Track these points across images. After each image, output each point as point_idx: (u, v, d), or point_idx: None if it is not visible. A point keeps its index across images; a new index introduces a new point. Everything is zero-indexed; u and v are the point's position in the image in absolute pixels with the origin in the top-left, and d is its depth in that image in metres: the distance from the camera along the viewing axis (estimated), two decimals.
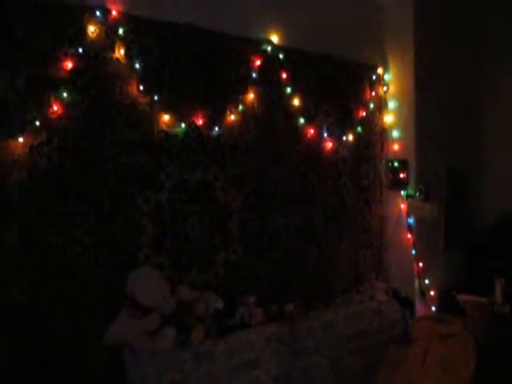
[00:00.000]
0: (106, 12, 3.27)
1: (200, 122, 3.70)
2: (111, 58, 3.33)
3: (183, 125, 3.62)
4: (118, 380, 3.15)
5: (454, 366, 3.80)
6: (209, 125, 3.75)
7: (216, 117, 3.79)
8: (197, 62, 3.71)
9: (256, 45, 4.03)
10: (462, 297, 4.83)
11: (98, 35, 3.27)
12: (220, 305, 3.47)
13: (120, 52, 3.35)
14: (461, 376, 3.74)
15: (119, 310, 3.09)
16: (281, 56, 4.16)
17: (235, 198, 3.91)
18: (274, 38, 4.12)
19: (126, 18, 3.37)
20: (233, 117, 3.88)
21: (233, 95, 3.89)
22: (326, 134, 4.52)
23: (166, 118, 3.54)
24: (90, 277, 3.22)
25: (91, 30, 3.23)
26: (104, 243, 3.28)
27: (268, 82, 4.10)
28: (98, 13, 3.24)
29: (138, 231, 3.43)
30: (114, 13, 3.31)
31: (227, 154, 3.87)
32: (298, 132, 4.34)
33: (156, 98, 3.49)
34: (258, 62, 4.02)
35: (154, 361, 3.01)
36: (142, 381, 3.06)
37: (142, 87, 3.43)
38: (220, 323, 3.42)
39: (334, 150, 4.61)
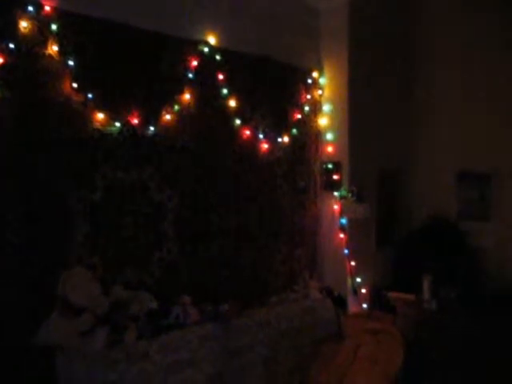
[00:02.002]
0: (38, 7, 3.20)
1: (135, 121, 3.68)
2: (44, 55, 3.26)
3: (118, 124, 3.59)
4: (48, 382, 3.08)
5: (383, 360, 3.94)
6: (144, 124, 3.73)
7: (151, 116, 3.77)
8: (132, 61, 3.69)
9: (193, 45, 4.04)
10: (392, 294, 4.98)
11: (30, 30, 3.19)
12: (154, 304, 3.46)
13: (53, 48, 3.29)
14: (389, 369, 3.89)
15: (51, 310, 3.04)
16: (217, 57, 4.18)
17: (170, 197, 3.91)
18: (211, 39, 4.14)
19: (60, 14, 3.31)
20: (168, 117, 3.87)
21: (169, 95, 3.89)
22: (261, 136, 4.58)
23: (100, 116, 3.50)
24: (21, 277, 3.14)
25: (23, 25, 3.15)
26: (35, 243, 3.21)
27: (204, 83, 4.12)
28: (30, 8, 3.17)
29: (70, 231, 3.37)
30: (47, 8, 3.24)
31: (162, 154, 3.86)
32: (234, 133, 4.38)
33: (90, 96, 3.44)
34: (195, 63, 4.03)
35: (85, 362, 2.97)
36: (73, 383, 3.02)
37: (75, 85, 3.38)
38: (154, 323, 3.41)
39: (270, 152, 4.68)
